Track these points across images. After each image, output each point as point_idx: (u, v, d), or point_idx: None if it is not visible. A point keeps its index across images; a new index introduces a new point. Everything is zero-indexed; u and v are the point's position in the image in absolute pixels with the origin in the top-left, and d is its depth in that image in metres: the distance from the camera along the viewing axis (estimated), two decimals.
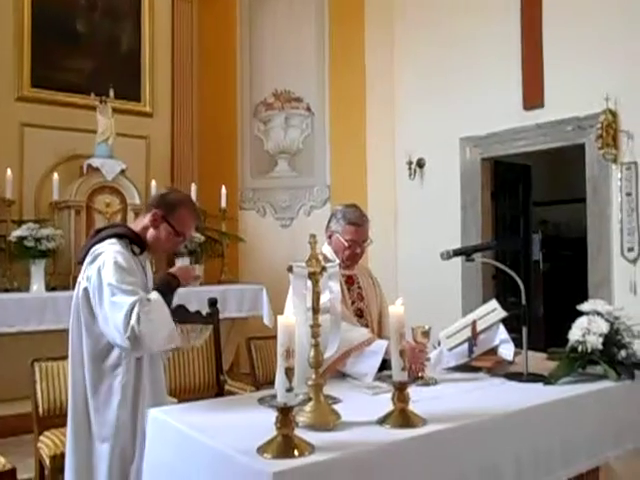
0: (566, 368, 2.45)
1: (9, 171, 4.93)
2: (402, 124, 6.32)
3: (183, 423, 1.95)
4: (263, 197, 6.68)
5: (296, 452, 1.62)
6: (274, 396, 1.73)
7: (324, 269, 2.06)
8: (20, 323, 4.38)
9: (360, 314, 2.83)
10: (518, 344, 2.65)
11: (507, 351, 2.67)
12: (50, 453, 2.74)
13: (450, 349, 2.67)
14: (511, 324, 2.73)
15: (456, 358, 2.67)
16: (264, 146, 6.70)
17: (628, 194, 4.54)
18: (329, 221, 2.86)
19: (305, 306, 2.05)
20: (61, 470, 2.36)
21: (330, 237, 2.83)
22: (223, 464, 1.69)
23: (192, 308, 3.58)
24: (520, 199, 6.36)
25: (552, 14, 5.03)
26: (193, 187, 5.59)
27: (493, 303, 2.76)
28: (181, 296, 5.06)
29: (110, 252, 2.18)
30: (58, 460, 2.59)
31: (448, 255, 2.71)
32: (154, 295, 2.15)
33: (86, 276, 2.22)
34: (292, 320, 1.74)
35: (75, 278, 2.31)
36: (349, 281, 2.86)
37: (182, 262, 5.28)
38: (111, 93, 5.50)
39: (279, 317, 1.76)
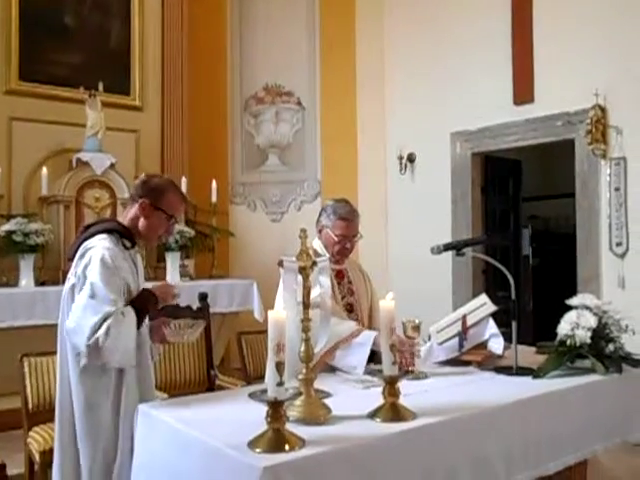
0: (555, 362, 2.47)
1: None
2: (393, 119, 6.32)
3: (174, 418, 1.95)
4: (254, 192, 6.67)
5: (287, 446, 1.63)
6: (265, 391, 1.73)
7: (314, 263, 2.07)
8: (9, 318, 4.35)
9: (350, 309, 2.84)
10: (508, 338, 2.67)
11: (497, 345, 2.68)
12: (40, 448, 2.73)
13: (440, 343, 2.69)
14: (501, 318, 2.75)
15: (446, 352, 2.69)
16: (255, 140, 6.68)
17: (617, 189, 4.57)
18: (319, 215, 2.87)
19: (296, 301, 2.05)
20: (50, 465, 2.35)
21: (320, 232, 2.83)
22: (214, 459, 1.69)
23: (183, 303, 3.58)
24: (510, 194, 6.39)
25: (542, 10, 5.04)
26: (183, 181, 5.57)
27: (483, 297, 2.77)
28: None
29: (99, 249, 2.17)
30: (48, 455, 2.58)
31: (438, 250, 2.72)
32: (129, 312, 2.12)
33: (74, 272, 2.21)
34: (283, 315, 1.74)
35: (65, 273, 2.30)
36: (339, 276, 2.86)
37: (172, 257, 5.27)
38: (100, 87, 5.46)
39: (270, 312, 1.76)
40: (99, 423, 2.17)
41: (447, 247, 2.75)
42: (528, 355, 2.71)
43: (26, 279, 4.71)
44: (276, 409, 1.66)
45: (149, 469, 1.99)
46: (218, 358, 5.11)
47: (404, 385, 2.00)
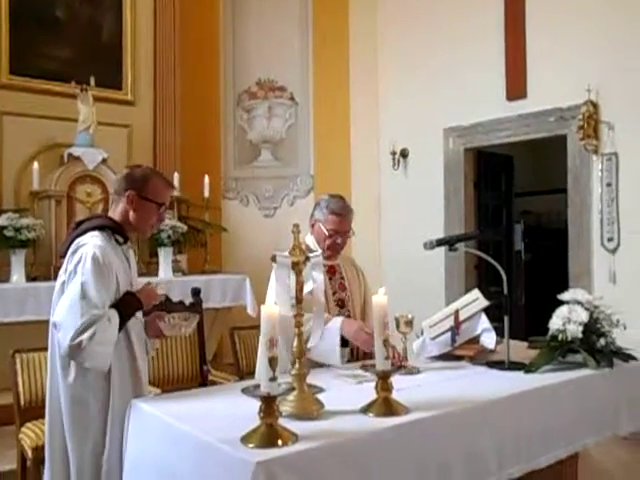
0: (547, 356, 2.48)
1: None
2: (386, 114, 6.32)
3: (166, 413, 1.95)
4: (246, 187, 6.65)
5: (280, 441, 1.63)
6: (258, 386, 1.73)
7: (307, 259, 2.07)
8: (0, 314, 4.33)
9: (341, 304, 2.84)
10: (500, 333, 2.68)
11: (489, 340, 2.70)
12: (32, 444, 2.72)
13: (433, 338, 2.69)
14: (493, 313, 2.76)
15: (439, 347, 2.70)
16: (247, 135, 6.66)
17: (608, 184, 4.59)
18: (313, 209, 2.87)
19: (288, 295, 2.06)
20: (43, 461, 2.35)
21: (313, 226, 2.83)
22: (206, 454, 1.69)
23: (175, 298, 3.57)
24: (503, 189, 6.41)
25: (535, 6, 5.05)
26: (176, 176, 5.54)
27: (475, 292, 2.79)
28: (164, 286, 5.02)
29: (90, 246, 2.15)
30: (40, 451, 2.57)
31: (431, 245, 2.73)
32: (114, 318, 2.12)
33: (65, 269, 2.20)
34: (275, 310, 1.74)
35: (56, 268, 2.29)
36: (331, 271, 2.86)
37: (165, 252, 5.25)
38: (92, 81, 5.41)
39: (262, 307, 1.76)
40: (87, 419, 2.16)
41: (440, 242, 2.75)
42: (520, 350, 2.73)
43: (17, 275, 4.68)
44: (269, 404, 1.66)
45: (141, 464, 1.99)
46: (211, 353, 5.10)
47: (397, 380, 2.01)
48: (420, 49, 5.92)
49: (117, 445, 2.13)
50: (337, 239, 2.77)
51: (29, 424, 2.85)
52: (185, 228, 5.42)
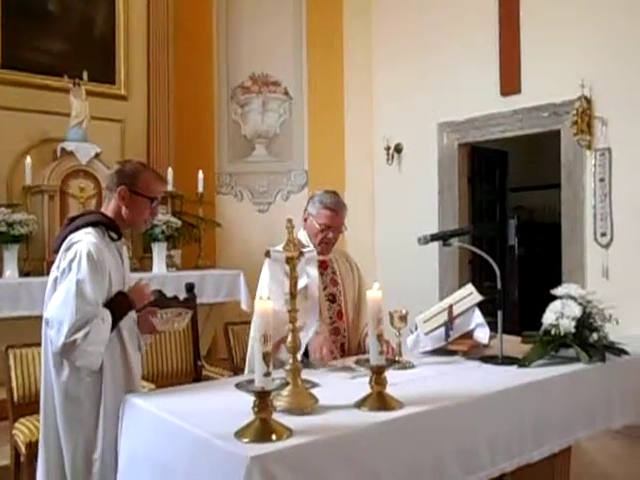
0: (540, 351, 2.49)
1: None
2: (380, 109, 6.31)
3: (160, 408, 1.95)
4: (240, 182, 6.64)
5: (274, 436, 1.63)
6: (252, 381, 1.73)
7: (302, 254, 2.06)
8: None
9: (332, 299, 2.84)
10: (493, 328, 2.69)
11: (483, 335, 2.71)
12: (26, 440, 2.71)
13: (427, 333, 2.70)
14: (487, 308, 2.77)
15: (433, 342, 2.70)
16: (241, 130, 6.65)
17: (601, 180, 4.60)
18: (307, 204, 2.87)
19: (283, 290, 2.06)
20: (37, 457, 2.34)
21: (305, 220, 2.83)
22: (201, 449, 1.70)
23: (169, 293, 3.57)
24: (496, 184, 6.42)
25: (529, 2, 5.05)
26: (170, 171, 5.53)
27: (469, 287, 2.79)
28: (158, 281, 5.03)
29: (84, 243, 2.14)
30: (34, 447, 2.56)
31: (425, 240, 2.73)
32: (107, 318, 2.12)
33: (58, 266, 2.18)
34: (269, 305, 1.74)
35: (49, 264, 2.28)
36: (322, 266, 2.86)
37: (159, 247, 5.24)
38: (85, 75, 5.38)
39: (256, 302, 1.76)
40: (80, 416, 2.16)
41: (434, 237, 2.75)
42: (513, 344, 2.73)
43: (10, 270, 4.66)
44: (263, 399, 1.66)
45: (135, 459, 1.99)
46: (205, 349, 5.10)
47: (391, 375, 2.02)
48: (414, 44, 5.92)
49: (110, 441, 2.13)
50: (329, 234, 2.77)
51: (23, 419, 2.84)
52: (179, 223, 5.41)
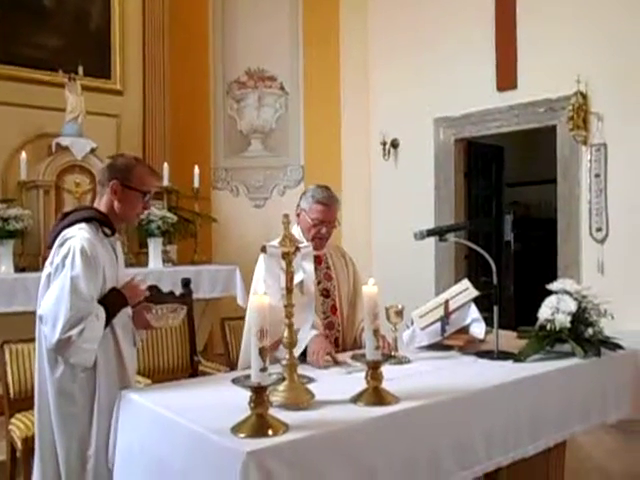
0: (535, 346, 2.50)
1: None
2: (376, 104, 6.30)
3: (157, 404, 1.95)
4: (236, 177, 6.63)
5: (270, 431, 1.63)
6: (248, 376, 1.73)
7: (298, 249, 2.06)
8: None
9: (326, 294, 2.84)
10: (489, 323, 2.70)
11: (478, 330, 2.71)
12: (22, 435, 2.71)
13: (423, 328, 2.71)
14: (482, 303, 2.78)
15: (429, 337, 2.71)
16: (237, 125, 6.63)
17: (597, 175, 4.61)
18: (299, 199, 2.87)
19: (279, 286, 2.05)
20: (33, 452, 2.34)
21: (298, 215, 2.83)
22: (197, 444, 1.70)
23: (165, 289, 3.56)
24: (493, 180, 6.42)
25: None
26: (165, 167, 5.51)
27: (465, 283, 2.80)
28: (154, 276, 5.02)
29: (78, 239, 2.13)
30: (30, 442, 2.57)
31: (421, 235, 2.73)
32: (102, 315, 2.11)
33: (51, 261, 2.18)
34: (265, 300, 1.74)
35: (45, 259, 2.27)
36: (317, 261, 2.85)
37: (154, 242, 5.23)
38: (80, 70, 5.35)
39: (251, 297, 1.76)
40: (74, 412, 2.15)
41: (430, 233, 2.76)
42: (509, 339, 2.74)
43: (5, 266, 4.64)
44: (259, 394, 1.67)
45: (131, 455, 1.99)
46: (201, 344, 5.09)
47: (387, 370, 2.02)
48: (411, 39, 5.90)
49: (104, 437, 2.13)
50: (322, 229, 2.77)
51: (19, 415, 2.84)
52: (175, 218, 5.40)
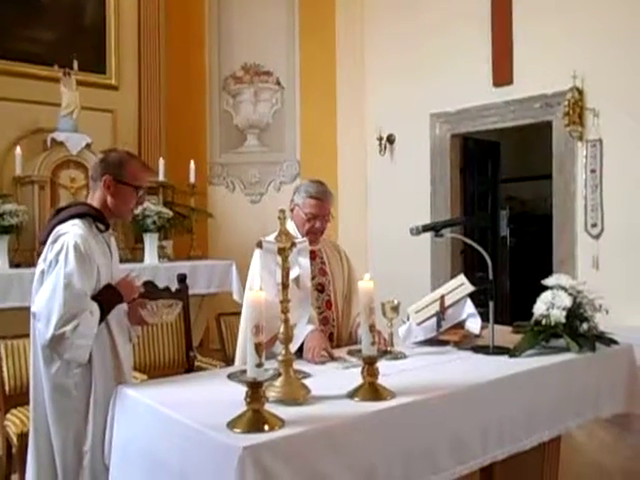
0: (530, 341, 2.51)
1: None
2: (372, 100, 6.29)
3: (152, 399, 1.95)
4: (232, 172, 6.62)
5: (266, 426, 1.63)
6: (244, 371, 1.73)
7: (294, 244, 2.06)
8: None
9: (321, 289, 2.84)
10: (485, 318, 2.70)
11: (474, 325, 2.72)
12: (17, 431, 2.71)
13: (419, 323, 2.71)
14: (478, 298, 2.78)
15: (424, 332, 2.71)
16: (233, 120, 6.62)
17: (592, 171, 4.62)
18: (293, 194, 2.86)
19: (275, 281, 2.05)
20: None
21: (292, 210, 2.83)
22: (193, 439, 1.70)
23: (161, 284, 3.56)
24: (489, 175, 6.43)
25: None
26: (161, 162, 5.50)
27: (461, 278, 2.80)
28: (150, 272, 5.01)
29: (71, 235, 2.12)
30: (25, 438, 2.55)
31: (417, 231, 2.74)
32: (96, 311, 2.11)
33: (44, 258, 2.17)
34: (261, 295, 1.74)
35: (40, 255, 2.26)
36: (311, 256, 2.85)
37: (150, 238, 5.22)
38: (75, 65, 5.33)
39: (247, 292, 1.76)
40: (69, 408, 2.15)
41: (426, 228, 2.76)
42: (505, 334, 2.75)
43: (0, 261, 4.63)
44: (255, 390, 1.67)
45: (126, 450, 1.99)
46: (197, 339, 5.10)
47: (383, 365, 2.02)
48: (407, 35, 5.89)
49: (100, 433, 2.13)
50: (316, 223, 2.76)
51: (14, 410, 2.84)
52: (171, 214, 5.39)
